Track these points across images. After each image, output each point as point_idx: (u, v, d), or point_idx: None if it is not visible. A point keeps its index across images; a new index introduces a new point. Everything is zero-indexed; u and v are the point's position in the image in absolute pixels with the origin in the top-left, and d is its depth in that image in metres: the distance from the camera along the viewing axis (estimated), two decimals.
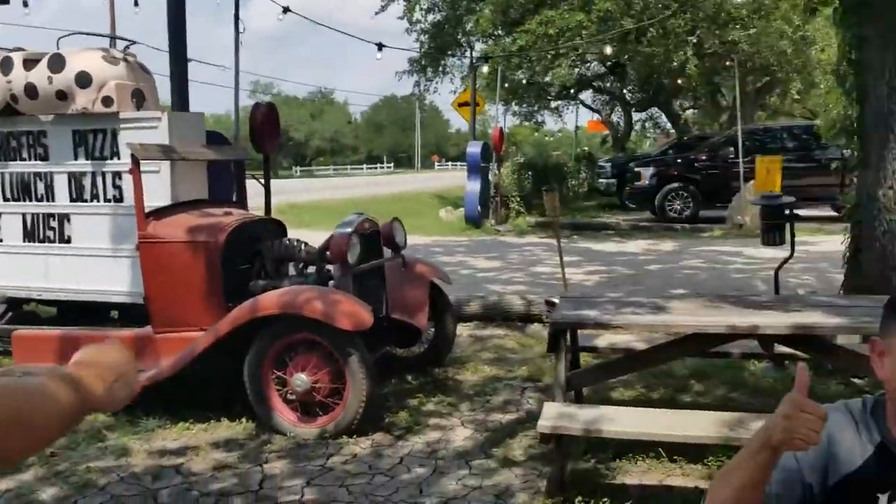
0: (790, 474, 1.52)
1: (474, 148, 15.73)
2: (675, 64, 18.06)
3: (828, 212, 15.05)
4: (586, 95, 28.80)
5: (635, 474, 3.87)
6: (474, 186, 15.49)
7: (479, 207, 15.48)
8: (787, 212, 5.14)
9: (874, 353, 1.56)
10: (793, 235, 5.23)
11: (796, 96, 20.67)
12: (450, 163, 70.44)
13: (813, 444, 1.36)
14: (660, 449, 3.91)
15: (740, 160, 14.45)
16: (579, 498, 3.51)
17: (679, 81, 20.51)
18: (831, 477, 1.55)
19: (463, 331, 6.66)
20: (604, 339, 4.84)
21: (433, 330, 5.67)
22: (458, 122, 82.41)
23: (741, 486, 1.44)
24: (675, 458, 3.92)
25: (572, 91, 25.35)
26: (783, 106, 24.73)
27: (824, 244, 10.53)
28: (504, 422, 4.67)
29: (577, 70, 22.67)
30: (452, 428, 4.59)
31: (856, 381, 5.07)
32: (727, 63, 17.80)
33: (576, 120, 34.54)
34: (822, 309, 3.88)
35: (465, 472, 3.97)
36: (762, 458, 1.41)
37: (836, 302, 4.10)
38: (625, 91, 26.89)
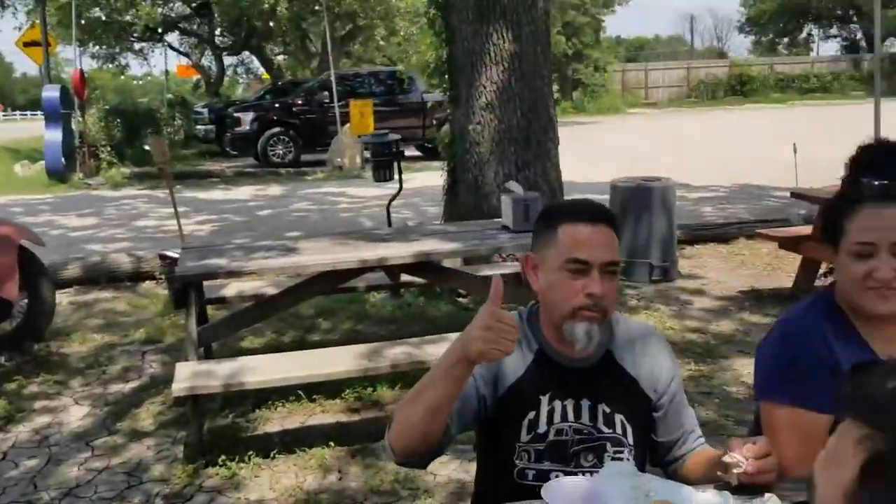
0: (468, 389, 1.55)
1: (51, 93, 13.85)
2: (265, 6, 17.83)
3: (413, 152, 16.37)
4: (174, 38, 27.21)
5: (277, 420, 3.81)
6: (55, 136, 13.70)
7: (62, 160, 13.76)
8: (394, 149, 5.39)
9: (528, 267, 1.64)
10: (400, 172, 5.51)
11: (381, 42, 21.91)
12: (18, 112, 61.61)
13: (508, 353, 1.38)
14: (299, 391, 3.89)
15: (335, 104, 14.93)
16: (222, 457, 3.34)
17: (270, 24, 20.36)
18: (500, 387, 1.62)
19: (63, 298, 5.88)
20: (231, 289, 4.63)
21: (26, 300, 4.89)
22: (25, 64, 72.44)
23: (435, 403, 1.43)
24: (315, 397, 3.94)
25: (159, 32, 23.69)
26: (366, 53, 26.06)
27: (414, 181, 11.38)
28: (126, 392, 4.25)
29: (160, 10, 21.20)
30: (65, 408, 4.04)
31: (460, 300, 5.60)
32: (315, 7, 18.12)
33: (165, 64, 32.52)
34: (436, 237, 4.15)
35: (87, 454, 3.53)
36: (458, 372, 1.41)
37: (447, 230, 4.41)
38: (214, 34, 25.93)
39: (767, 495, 1.25)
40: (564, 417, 1.61)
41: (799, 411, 1.60)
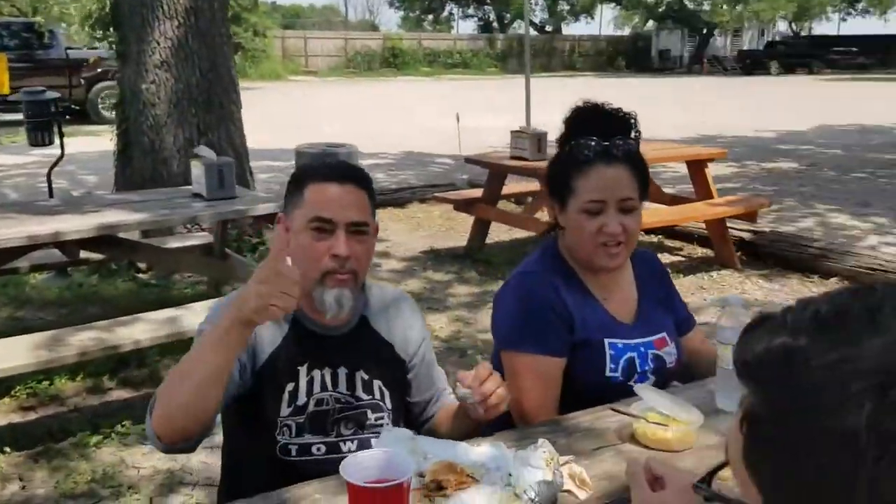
0: None
1: None
2: None
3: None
4: None
5: None
6: None
7: None
8: (53, 109, 4.73)
9: (281, 228, 1.54)
10: (61, 135, 4.87)
11: None
12: None
13: (289, 309, 1.25)
14: None
15: None
16: None
17: None
18: (259, 359, 1.52)
19: None
20: None
21: None
22: None
23: (208, 378, 1.29)
24: None
25: None
26: None
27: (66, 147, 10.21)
28: None
29: None
30: None
31: (140, 276, 5.15)
32: None
33: None
34: (117, 207, 3.73)
35: None
36: (232, 338, 1.27)
37: (128, 199, 3.99)
38: None
39: (541, 441, 1.32)
40: (324, 387, 1.55)
41: (539, 357, 1.72)
